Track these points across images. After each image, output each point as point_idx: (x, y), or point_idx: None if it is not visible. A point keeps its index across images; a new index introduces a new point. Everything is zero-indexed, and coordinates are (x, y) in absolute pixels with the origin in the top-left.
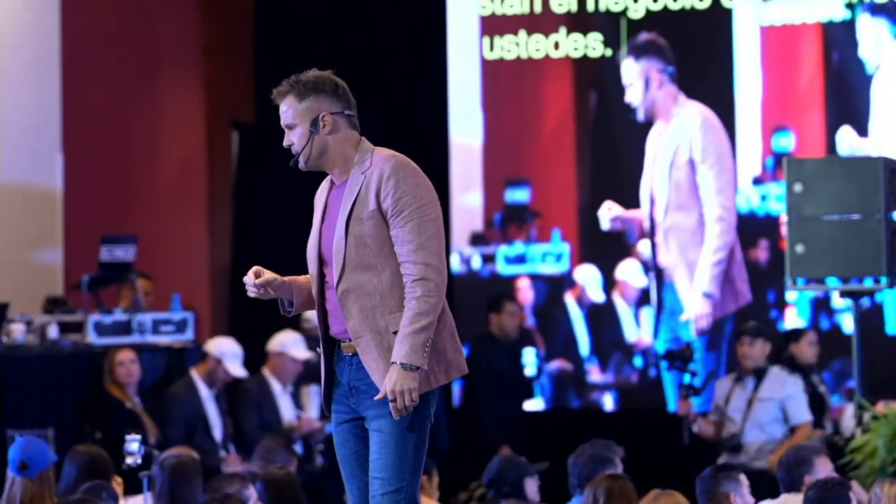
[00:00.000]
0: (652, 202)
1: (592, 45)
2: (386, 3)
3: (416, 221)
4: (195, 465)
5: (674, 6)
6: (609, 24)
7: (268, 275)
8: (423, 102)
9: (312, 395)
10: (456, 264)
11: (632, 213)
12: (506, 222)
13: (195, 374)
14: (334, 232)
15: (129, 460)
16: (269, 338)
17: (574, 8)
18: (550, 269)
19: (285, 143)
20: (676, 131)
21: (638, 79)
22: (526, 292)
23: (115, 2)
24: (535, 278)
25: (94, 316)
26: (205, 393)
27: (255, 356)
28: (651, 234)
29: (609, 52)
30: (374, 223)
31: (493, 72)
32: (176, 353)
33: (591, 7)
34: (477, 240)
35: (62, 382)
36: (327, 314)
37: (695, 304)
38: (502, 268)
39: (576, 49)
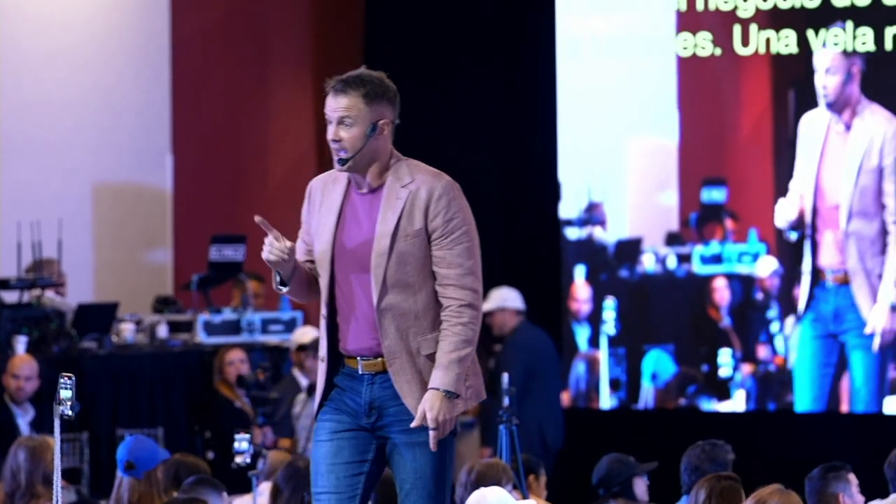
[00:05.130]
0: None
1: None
2: (496, 6)
3: (465, 245)
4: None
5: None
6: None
7: (288, 242)
8: (532, 106)
9: None
10: (651, 264)
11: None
12: (702, 222)
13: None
14: (363, 242)
15: (238, 459)
16: None
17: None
18: (747, 269)
19: (330, 137)
20: (863, 134)
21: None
22: (722, 292)
23: (225, 1)
24: (732, 278)
25: (204, 315)
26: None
27: None
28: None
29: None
30: (418, 242)
31: (688, 70)
32: (284, 353)
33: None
34: (672, 239)
35: (172, 382)
36: (337, 328)
37: (879, 316)
38: (698, 268)
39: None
